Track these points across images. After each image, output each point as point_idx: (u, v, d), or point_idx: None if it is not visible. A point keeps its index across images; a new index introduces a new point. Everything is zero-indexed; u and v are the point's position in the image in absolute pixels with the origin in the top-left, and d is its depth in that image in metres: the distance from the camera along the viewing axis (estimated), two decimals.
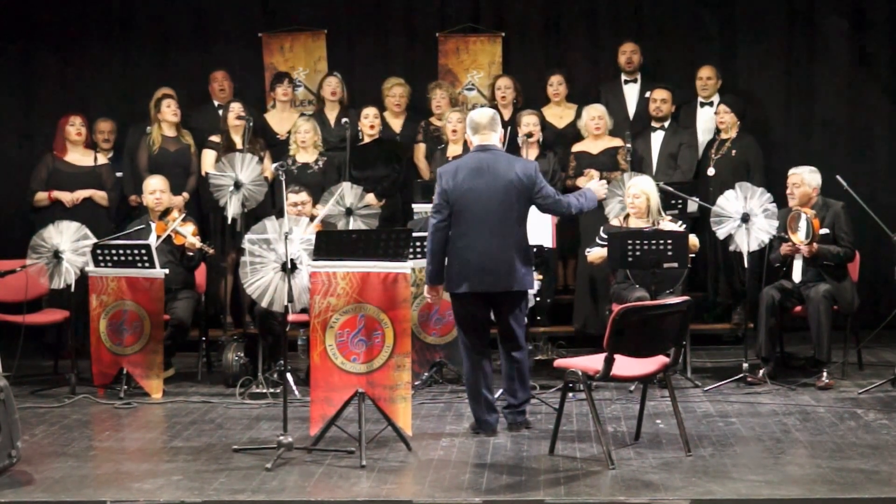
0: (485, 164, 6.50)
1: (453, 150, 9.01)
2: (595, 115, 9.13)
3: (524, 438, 6.49)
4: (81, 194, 9.05)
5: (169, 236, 8.18)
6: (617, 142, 9.16)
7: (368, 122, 9.17)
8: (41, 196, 9.07)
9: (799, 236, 7.75)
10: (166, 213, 8.35)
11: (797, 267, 7.90)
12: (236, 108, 9.14)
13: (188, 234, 8.18)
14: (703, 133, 9.48)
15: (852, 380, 7.88)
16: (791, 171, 7.98)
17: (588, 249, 8.14)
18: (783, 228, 7.83)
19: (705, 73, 9.52)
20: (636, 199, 7.89)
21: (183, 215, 8.37)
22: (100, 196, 9.15)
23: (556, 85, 9.56)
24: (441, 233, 6.50)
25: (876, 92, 9.99)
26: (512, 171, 6.48)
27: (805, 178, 7.89)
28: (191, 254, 8.21)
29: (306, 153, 9.09)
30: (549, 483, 5.66)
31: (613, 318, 5.85)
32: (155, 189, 8.37)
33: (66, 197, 9.01)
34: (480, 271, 6.42)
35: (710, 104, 9.50)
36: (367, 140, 9.20)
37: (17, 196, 9.50)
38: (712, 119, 9.36)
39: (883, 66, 9.99)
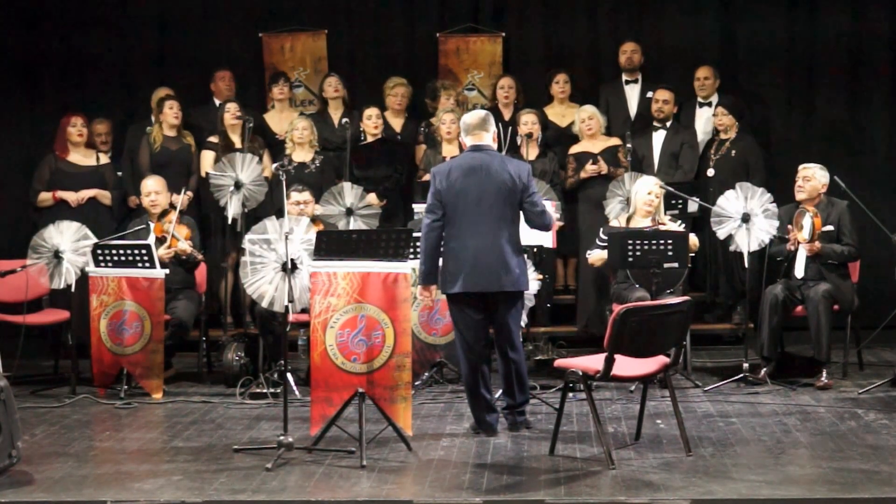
0: (478, 164, 6.50)
1: (448, 150, 9.02)
2: (585, 117, 9.12)
3: (524, 438, 6.49)
4: (86, 194, 9.05)
5: (164, 238, 8.17)
6: (615, 141, 9.16)
7: (372, 123, 9.17)
8: (45, 196, 9.07)
9: (804, 234, 7.77)
10: (165, 214, 8.35)
11: (800, 263, 7.90)
12: (232, 107, 9.14)
13: (181, 238, 8.18)
14: (702, 133, 9.48)
15: (853, 380, 7.88)
16: (802, 166, 7.99)
17: (588, 252, 8.15)
18: (784, 229, 7.84)
19: (703, 73, 9.53)
20: (655, 199, 7.91)
21: (180, 217, 8.35)
22: (104, 195, 9.16)
23: (561, 83, 9.56)
24: (434, 233, 6.50)
25: (876, 92, 9.99)
26: (505, 171, 6.49)
27: (816, 174, 7.91)
28: (184, 257, 8.21)
29: (302, 151, 9.08)
30: (549, 483, 5.66)
31: (614, 318, 5.85)
32: (150, 191, 8.35)
33: (72, 197, 9.01)
34: (474, 272, 6.41)
35: (709, 104, 9.51)
36: (370, 139, 9.20)
37: (18, 196, 9.50)
38: (711, 119, 9.37)
39: (883, 64, 9.99)
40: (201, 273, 8.61)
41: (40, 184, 9.09)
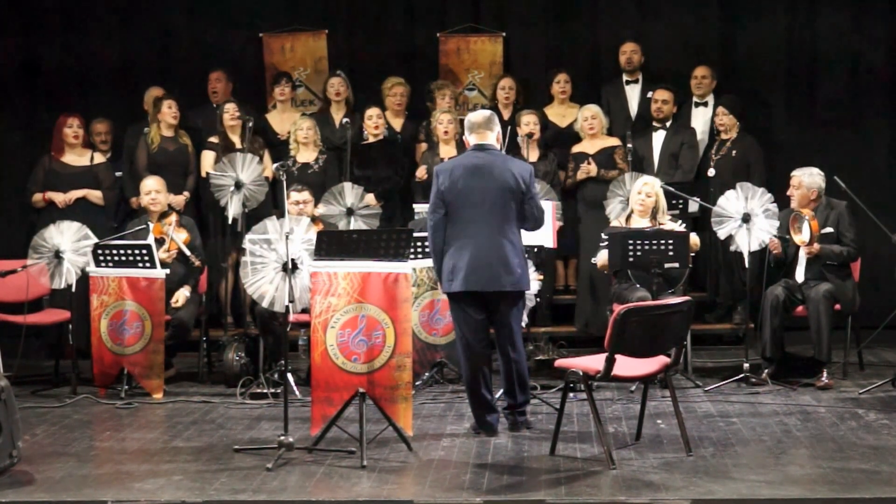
0: (481, 164, 6.50)
1: (445, 150, 9.03)
2: (588, 116, 9.13)
3: (525, 439, 6.49)
4: (74, 195, 9.03)
5: (162, 239, 8.17)
6: (614, 141, 9.17)
7: (372, 123, 9.17)
8: (37, 197, 9.06)
9: (802, 237, 7.77)
10: (164, 215, 8.35)
11: (800, 266, 7.91)
12: (231, 108, 9.14)
13: (180, 243, 8.19)
14: (699, 134, 9.46)
15: (853, 380, 7.88)
16: (793, 173, 8.01)
17: (594, 259, 8.11)
18: (785, 229, 7.85)
19: (700, 72, 9.53)
20: (647, 199, 7.90)
21: (179, 219, 8.36)
22: (95, 196, 9.13)
23: (562, 83, 9.55)
24: (440, 232, 6.50)
25: (876, 92, 9.99)
26: (508, 171, 6.49)
27: (804, 181, 7.91)
28: (193, 261, 8.22)
29: (307, 151, 9.10)
30: (549, 483, 5.66)
31: (615, 318, 5.85)
32: (150, 190, 8.35)
33: (59, 198, 8.99)
34: (475, 271, 6.41)
35: (705, 104, 9.51)
36: (371, 140, 9.20)
37: (18, 196, 9.49)
38: (707, 119, 9.37)
39: (883, 65, 10.00)
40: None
41: (35, 185, 9.08)
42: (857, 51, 10.00)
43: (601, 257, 7.99)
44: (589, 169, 8.99)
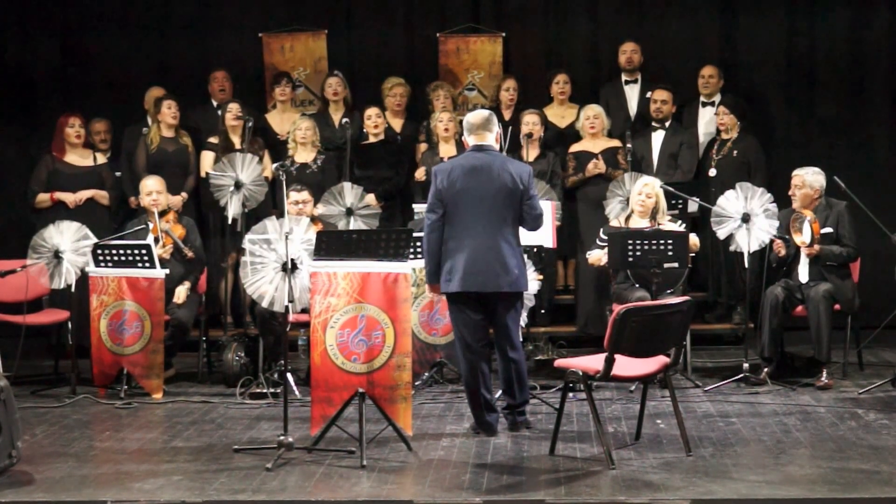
0: (479, 165, 6.50)
1: (444, 149, 9.03)
2: (591, 115, 9.13)
3: (524, 438, 6.50)
4: (84, 195, 9.04)
5: (159, 238, 8.18)
6: (615, 142, 9.16)
7: (372, 123, 9.18)
8: (43, 197, 9.05)
9: (802, 238, 7.77)
10: (164, 214, 8.35)
11: (802, 268, 7.90)
12: (234, 108, 9.14)
13: (175, 237, 8.20)
14: (704, 134, 9.47)
15: (853, 380, 7.88)
16: (794, 173, 8.01)
17: (588, 252, 8.14)
18: (784, 229, 7.85)
19: (707, 71, 9.53)
20: (648, 199, 7.90)
21: (177, 217, 8.36)
22: (101, 196, 9.15)
23: (561, 83, 9.55)
24: (436, 232, 6.50)
25: (876, 91, 9.99)
26: (506, 171, 6.48)
27: (807, 180, 7.91)
28: (185, 252, 8.22)
29: (305, 152, 9.10)
30: (549, 483, 5.66)
31: (614, 318, 5.85)
32: (151, 190, 8.36)
33: (70, 198, 8.99)
34: (472, 271, 6.41)
35: (712, 104, 9.51)
36: (372, 140, 9.20)
37: (18, 196, 9.49)
38: (713, 119, 9.36)
39: (883, 65, 10.00)
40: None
41: (38, 185, 9.08)
42: (857, 51, 10.00)
43: (594, 255, 8.00)
44: (597, 164, 8.98)
